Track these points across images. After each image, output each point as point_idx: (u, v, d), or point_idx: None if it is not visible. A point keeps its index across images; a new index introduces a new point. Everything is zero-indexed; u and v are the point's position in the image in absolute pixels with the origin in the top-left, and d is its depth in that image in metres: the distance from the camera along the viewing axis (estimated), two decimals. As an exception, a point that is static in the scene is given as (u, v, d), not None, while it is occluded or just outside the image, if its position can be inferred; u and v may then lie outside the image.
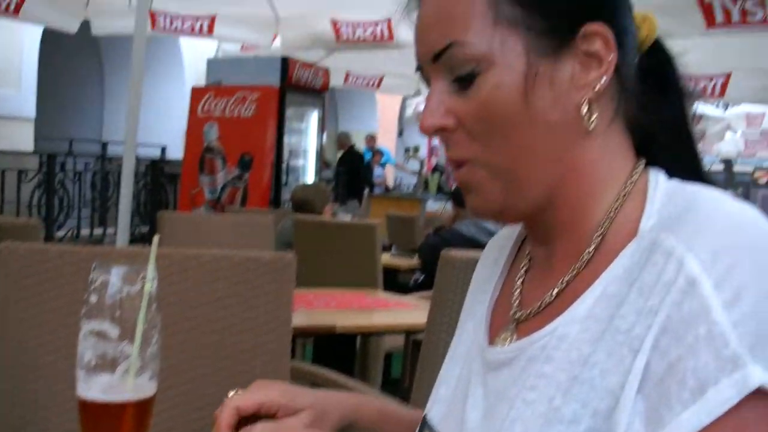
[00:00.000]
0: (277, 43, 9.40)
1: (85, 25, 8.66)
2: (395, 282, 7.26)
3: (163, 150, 15.10)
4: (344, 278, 5.89)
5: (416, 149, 15.12)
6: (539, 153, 1.11)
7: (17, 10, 7.67)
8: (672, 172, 1.16)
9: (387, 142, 25.59)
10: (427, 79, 1.17)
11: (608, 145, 1.14)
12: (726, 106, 16.46)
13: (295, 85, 10.95)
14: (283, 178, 10.82)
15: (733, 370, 0.91)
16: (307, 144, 11.99)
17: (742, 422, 0.91)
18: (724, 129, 15.82)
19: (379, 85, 12.92)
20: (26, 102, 13.64)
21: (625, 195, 1.13)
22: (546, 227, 1.17)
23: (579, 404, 1.02)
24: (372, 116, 25.43)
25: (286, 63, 10.69)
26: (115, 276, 1.20)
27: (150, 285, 1.21)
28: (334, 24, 8.87)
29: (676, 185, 1.11)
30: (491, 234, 5.21)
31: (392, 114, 25.85)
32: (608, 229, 1.12)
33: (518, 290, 1.23)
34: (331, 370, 3.64)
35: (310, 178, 11.74)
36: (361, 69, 12.43)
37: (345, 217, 8.55)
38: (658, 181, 1.13)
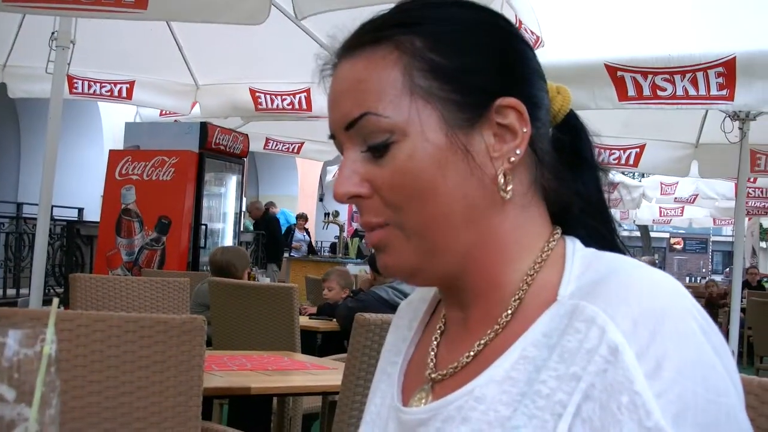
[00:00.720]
0: (196, 109, 9.41)
1: (2, 87, 8.58)
2: (314, 344, 7.24)
3: (80, 212, 14.94)
4: (262, 341, 5.87)
5: (336, 214, 15.14)
6: (454, 221, 1.11)
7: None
8: (588, 240, 1.18)
9: (307, 206, 25.62)
10: (339, 147, 1.17)
11: (524, 214, 1.16)
12: (642, 175, 16.76)
13: (214, 150, 10.96)
14: (202, 241, 10.78)
15: None
16: (226, 208, 11.97)
17: None
18: (640, 197, 16.08)
19: (299, 150, 12.95)
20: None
21: (542, 262, 1.14)
22: (460, 291, 1.17)
23: None
24: (292, 181, 25.46)
25: (205, 128, 10.70)
26: (12, 338, 1.18)
27: (49, 347, 1.19)
28: (253, 93, 8.91)
29: (593, 253, 1.14)
30: (407, 297, 5.18)
31: (313, 179, 25.91)
32: (525, 294, 1.12)
33: (433, 351, 1.23)
34: (245, 432, 3.61)
35: (228, 241, 11.70)
36: (280, 135, 12.46)
37: (264, 281, 8.53)
38: (575, 249, 1.15)
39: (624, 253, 1.19)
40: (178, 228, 10.54)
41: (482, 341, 1.13)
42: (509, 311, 1.12)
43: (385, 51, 1.13)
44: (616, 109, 5.81)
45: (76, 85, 8.63)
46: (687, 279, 36.50)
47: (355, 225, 20.70)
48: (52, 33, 5.71)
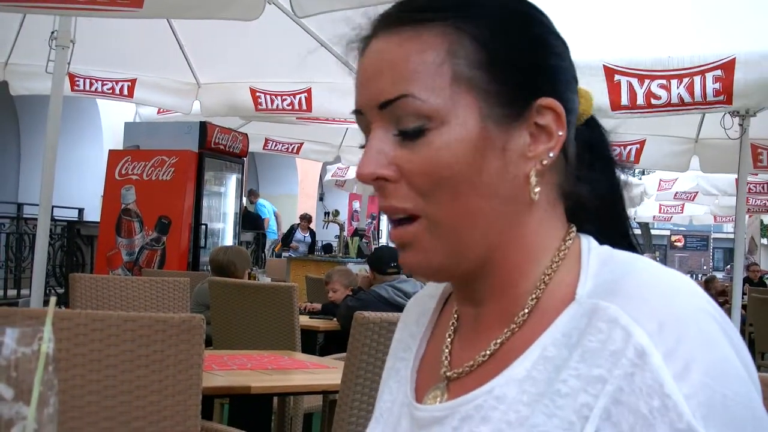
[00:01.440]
0: (196, 107, 9.40)
1: (2, 86, 8.58)
2: (314, 344, 7.23)
3: (81, 212, 14.93)
4: (262, 340, 5.87)
5: (336, 213, 15.14)
6: (483, 217, 1.09)
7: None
8: (601, 238, 1.17)
9: (308, 206, 25.59)
10: (365, 125, 1.14)
11: (547, 215, 1.15)
12: (642, 172, 16.76)
13: (213, 149, 10.96)
14: (202, 241, 10.77)
15: None
16: (226, 207, 11.97)
17: None
18: (641, 194, 16.09)
19: (298, 151, 12.95)
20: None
21: (559, 261, 1.13)
22: (478, 289, 1.16)
23: None
24: (292, 180, 25.44)
25: (204, 128, 10.70)
26: (10, 337, 1.18)
27: (47, 346, 1.19)
28: (253, 93, 8.90)
29: (608, 251, 1.13)
30: (408, 296, 5.25)
31: (313, 178, 25.88)
32: (543, 293, 1.11)
33: (447, 349, 1.21)
34: (245, 431, 3.61)
35: (229, 241, 11.70)
36: (280, 135, 12.45)
37: (264, 280, 8.53)
38: (591, 247, 1.14)
39: (637, 251, 1.19)
40: (178, 228, 10.54)
41: (499, 340, 1.12)
42: (527, 309, 1.11)
43: (431, 33, 1.10)
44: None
45: (77, 82, 8.64)
46: (688, 276, 36.32)
47: (355, 224, 20.72)
48: (52, 32, 5.72)
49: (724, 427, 0.94)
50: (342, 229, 14.31)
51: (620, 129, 8.79)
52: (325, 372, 4.38)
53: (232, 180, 12.01)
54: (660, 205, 20.00)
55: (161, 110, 10.37)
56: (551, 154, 1.12)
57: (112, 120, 14.98)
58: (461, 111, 1.08)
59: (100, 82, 8.79)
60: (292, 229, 20.05)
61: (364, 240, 13.52)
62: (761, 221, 27.21)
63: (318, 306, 7.63)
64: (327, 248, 18.26)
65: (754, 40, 5.46)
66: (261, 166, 25.70)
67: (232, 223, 12.05)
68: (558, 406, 1.00)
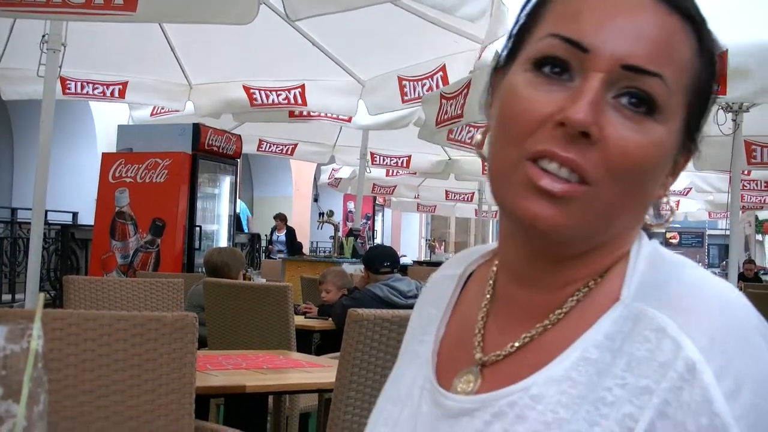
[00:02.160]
0: (190, 108, 9.41)
1: (-5, 91, 8.60)
2: (309, 343, 7.24)
3: (75, 215, 14.92)
4: (258, 340, 5.87)
5: (331, 213, 15.12)
6: (630, 215, 1.07)
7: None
8: None
9: (302, 207, 25.61)
10: (581, 63, 1.03)
11: None
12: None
13: (207, 151, 10.96)
14: (197, 243, 10.77)
15: None
16: (220, 209, 11.97)
17: None
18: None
19: (293, 152, 12.95)
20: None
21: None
22: (554, 272, 1.09)
23: None
24: (287, 182, 25.43)
25: (198, 129, 10.70)
26: (-1, 334, 1.17)
27: (36, 342, 1.18)
28: (247, 90, 8.92)
29: (657, 250, 1.09)
30: (403, 295, 5.23)
31: (307, 179, 25.88)
32: (590, 289, 1.08)
33: (480, 332, 1.16)
34: (240, 430, 3.61)
35: (223, 242, 11.70)
36: (274, 136, 12.46)
37: (259, 281, 8.51)
38: (641, 244, 1.10)
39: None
40: (172, 230, 10.54)
41: (539, 327, 1.08)
42: (571, 303, 1.08)
43: (688, 35, 1.06)
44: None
45: (69, 86, 8.66)
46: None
47: (350, 224, 20.71)
48: (43, 36, 5.72)
49: None
50: (336, 229, 14.31)
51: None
52: (321, 371, 4.38)
53: (226, 182, 12.01)
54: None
55: (155, 112, 10.39)
56: (671, 179, 1.12)
57: (106, 123, 14.98)
58: (677, 118, 1.05)
59: (91, 85, 8.82)
60: (272, 232, 20.19)
61: (359, 240, 13.50)
62: (756, 217, 27.25)
63: (314, 310, 7.62)
64: (295, 249, 18.46)
65: (745, 33, 5.46)
66: (255, 168, 25.69)
67: (226, 225, 12.05)
68: (602, 415, 0.97)
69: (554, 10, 1.07)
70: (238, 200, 19.18)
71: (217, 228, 11.88)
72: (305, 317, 7.44)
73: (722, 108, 7.34)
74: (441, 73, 7.50)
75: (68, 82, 8.63)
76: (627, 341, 0.99)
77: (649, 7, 1.03)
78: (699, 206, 20.40)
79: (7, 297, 12.91)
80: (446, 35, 7.40)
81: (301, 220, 25.47)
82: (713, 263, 40.33)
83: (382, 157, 14.37)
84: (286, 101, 8.92)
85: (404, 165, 14.75)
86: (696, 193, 15.94)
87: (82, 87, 8.80)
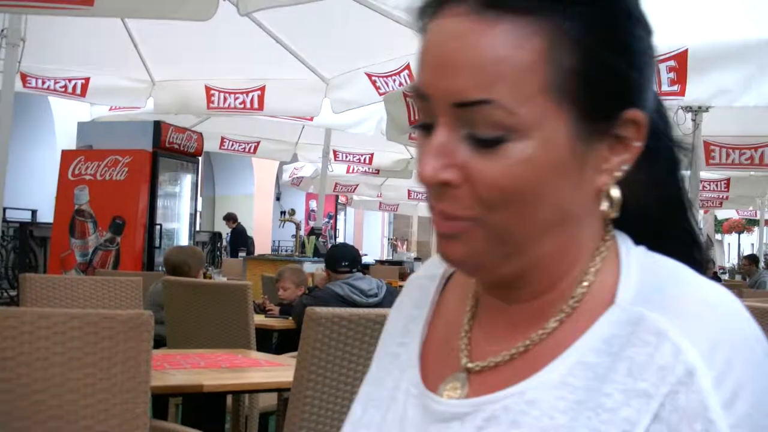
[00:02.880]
0: (149, 105, 9.36)
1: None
2: (269, 343, 7.22)
3: (34, 213, 14.82)
4: (217, 339, 5.84)
5: (292, 212, 15.09)
6: (545, 229, 1.01)
7: None
8: (654, 236, 1.11)
9: (264, 206, 25.57)
10: (428, 114, 1.00)
11: (593, 217, 1.06)
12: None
13: (168, 149, 10.92)
14: (157, 241, 10.72)
15: None
16: (181, 207, 11.92)
17: None
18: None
19: (255, 150, 12.92)
20: None
21: (600, 260, 1.05)
22: (514, 288, 1.07)
23: None
24: (248, 180, 25.38)
25: (158, 127, 10.65)
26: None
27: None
28: (208, 90, 8.89)
29: (647, 253, 1.07)
30: (364, 293, 5.23)
31: (269, 178, 25.84)
32: (582, 295, 1.04)
33: (466, 337, 1.12)
34: (198, 430, 3.59)
35: (184, 241, 11.65)
36: (236, 134, 12.43)
37: (220, 280, 8.49)
38: (629, 247, 1.07)
39: (697, 240, 1.15)
40: (132, 228, 10.48)
41: (533, 337, 1.05)
42: (564, 311, 1.04)
43: (532, 30, 0.95)
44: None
45: (29, 81, 8.58)
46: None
47: (312, 223, 20.70)
48: (2, 30, 5.66)
49: None
50: (298, 228, 14.28)
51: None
52: (279, 369, 4.36)
53: (187, 180, 11.96)
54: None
55: (114, 108, 10.33)
56: (625, 167, 1.03)
57: (66, 120, 14.88)
58: (547, 124, 0.96)
59: (52, 80, 8.74)
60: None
61: (320, 239, 13.49)
62: (715, 217, 27.48)
63: (276, 310, 7.61)
64: (237, 246, 18.56)
65: (705, 32, 5.50)
66: (217, 166, 25.62)
67: (187, 224, 12.00)
68: (602, 421, 0.95)
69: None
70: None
71: (177, 226, 11.84)
72: (265, 316, 7.43)
73: (682, 108, 7.38)
74: (407, 71, 7.49)
75: (29, 78, 8.55)
76: (627, 345, 0.97)
77: (471, 28, 0.96)
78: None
79: (-36, 295, 12.81)
80: (408, 33, 7.39)
81: (263, 218, 25.43)
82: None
83: (344, 154, 14.41)
84: (242, 105, 8.90)
85: (367, 162, 14.80)
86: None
87: (43, 82, 8.73)
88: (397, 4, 5.15)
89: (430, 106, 0.99)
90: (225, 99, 8.90)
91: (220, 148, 12.85)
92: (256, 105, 8.83)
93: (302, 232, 13.93)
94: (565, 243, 1.04)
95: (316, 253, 12.69)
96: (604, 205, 1.04)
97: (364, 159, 14.70)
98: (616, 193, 1.03)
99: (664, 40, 5.40)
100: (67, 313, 2.31)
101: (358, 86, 8.19)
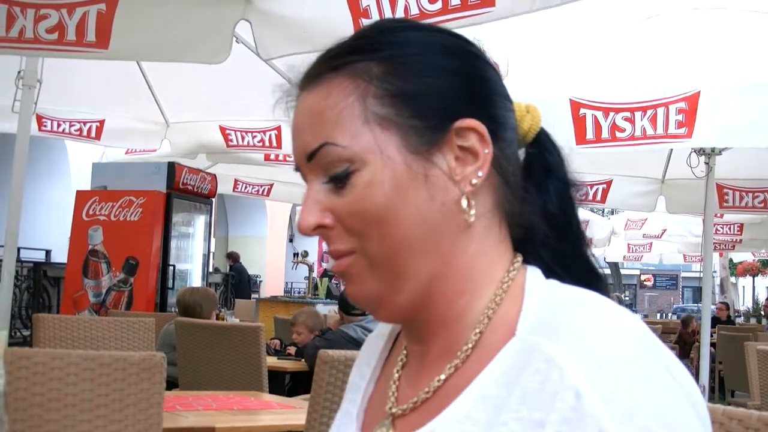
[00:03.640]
0: (165, 147, 9.39)
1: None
2: (282, 385, 7.20)
3: (48, 253, 14.84)
4: (229, 381, 5.84)
5: (305, 254, 15.12)
6: (415, 247, 1.09)
7: None
8: (553, 263, 1.16)
9: (277, 247, 25.57)
10: (304, 178, 1.16)
11: (487, 240, 1.13)
12: (612, 212, 16.90)
13: (182, 190, 10.92)
14: (170, 282, 10.71)
15: None
16: (194, 248, 11.93)
17: None
18: (609, 234, 16.19)
19: (269, 193, 12.93)
20: None
21: (502, 293, 1.11)
22: (422, 324, 1.14)
23: None
24: (262, 222, 25.42)
25: (172, 168, 10.67)
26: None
27: (-1, 381, 1.17)
28: (223, 131, 8.91)
29: (553, 285, 1.11)
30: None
31: (282, 219, 25.88)
32: (486, 327, 1.09)
33: (395, 385, 1.20)
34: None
35: (197, 282, 11.64)
36: (249, 176, 12.45)
37: (233, 321, 8.48)
38: (536, 279, 1.12)
39: (595, 272, 1.19)
40: (145, 269, 10.47)
41: (442, 376, 1.10)
42: (469, 345, 1.09)
43: (341, 79, 1.12)
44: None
45: (45, 123, 8.61)
46: (658, 315, 36.64)
47: (324, 265, 20.70)
48: (19, 72, 5.71)
49: None
50: (311, 269, 14.29)
51: (587, 169, 8.88)
52: (292, 412, 4.35)
53: (201, 221, 11.97)
54: (629, 244, 20.08)
55: (129, 150, 10.36)
56: (480, 174, 1.11)
57: (81, 160, 14.95)
58: (380, 149, 1.09)
59: (67, 123, 8.77)
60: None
61: (333, 281, 13.50)
62: (730, 260, 27.42)
63: (292, 350, 7.60)
64: (238, 287, 18.57)
65: (718, 76, 5.52)
66: (230, 208, 25.67)
67: (200, 265, 12.00)
68: None
69: None
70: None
71: (190, 267, 11.83)
72: (278, 358, 7.42)
73: (695, 151, 7.39)
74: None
75: (44, 120, 8.58)
76: (521, 374, 1.00)
77: (304, 100, 1.15)
78: (673, 249, 20.50)
79: (-23, 335, 12.79)
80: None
81: (277, 260, 25.45)
82: (686, 306, 40.47)
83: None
84: (261, 143, 8.92)
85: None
86: (670, 236, 16.03)
87: (59, 125, 8.76)
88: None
89: (302, 173, 1.17)
90: (243, 137, 8.92)
91: (233, 191, 12.87)
92: (274, 143, 8.84)
93: (315, 274, 13.94)
94: (453, 266, 1.11)
95: (329, 294, 12.70)
96: (470, 214, 1.11)
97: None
98: (463, 202, 1.10)
99: (678, 83, 5.42)
100: (80, 355, 2.31)
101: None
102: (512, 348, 1.03)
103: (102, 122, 8.81)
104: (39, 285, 13.31)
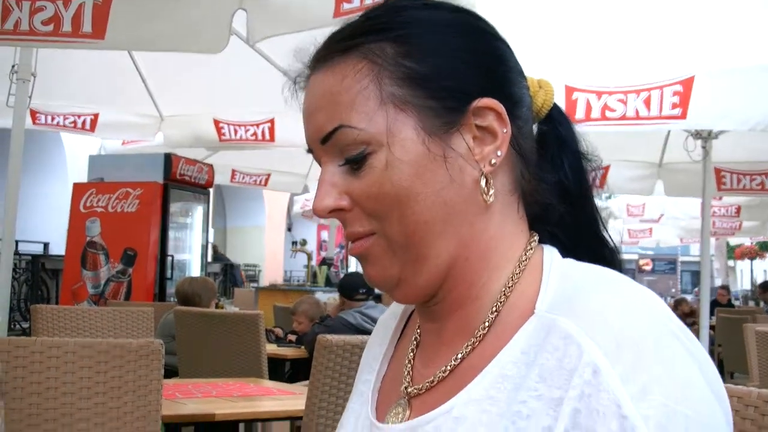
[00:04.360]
0: (159, 138, 9.38)
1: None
2: (282, 372, 7.21)
3: (46, 246, 14.84)
4: (229, 369, 5.84)
5: (304, 242, 15.12)
6: (436, 228, 1.08)
7: None
8: (568, 239, 1.17)
9: (275, 237, 25.57)
10: (318, 160, 1.15)
11: (506, 220, 1.13)
12: (609, 197, 16.87)
13: (178, 180, 10.91)
14: (168, 272, 10.71)
15: None
16: (192, 239, 11.92)
17: None
18: (607, 217, 16.18)
19: (266, 183, 12.91)
20: None
21: (519, 272, 1.11)
22: (439, 303, 1.14)
23: None
24: (260, 212, 25.41)
25: (169, 159, 10.65)
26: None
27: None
28: (217, 124, 8.90)
29: (571, 264, 1.11)
30: (375, 322, 5.21)
31: (280, 209, 25.86)
32: (503, 306, 1.09)
33: (409, 365, 1.20)
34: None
35: (196, 272, 11.64)
36: (247, 167, 12.43)
37: (232, 310, 8.48)
38: (553, 258, 1.12)
39: (611, 249, 1.21)
40: (144, 260, 10.47)
41: (459, 355, 1.10)
42: (486, 324, 1.09)
43: (354, 60, 1.11)
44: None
45: (39, 118, 8.60)
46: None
47: (323, 253, 20.70)
48: (13, 66, 5.70)
49: None
50: (310, 258, 14.29)
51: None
52: (292, 398, 4.35)
53: (198, 211, 11.96)
54: (628, 230, 20.08)
55: (126, 142, 10.35)
56: (499, 153, 1.11)
57: (77, 153, 14.94)
58: (397, 130, 1.08)
59: (61, 116, 8.77)
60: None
61: (332, 269, 13.50)
62: (727, 243, 27.39)
63: (293, 338, 7.61)
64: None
65: (713, 60, 5.51)
66: (228, 198, 25.66)
67: (198, 255, 11.99)
68: (519, 429, 0.98)
69: None
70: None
71: (189, 258, 11.83)
72: (277, 345, 7.42)
73: (692, 135, 7.40)
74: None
75: (39, 114, 8.58)
76: (540, 352, 1.00)
77: (316, 80, 1.14)
78: (672, 233, 20.50)
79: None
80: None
81: (275, 249, 25.45)
82: (686, 289, 40.52)
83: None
84: (254, 137, 8.91)
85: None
86: (668, 219, 16.03)
87: (53, 118, 8.76)
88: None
89: (315, 155, 1.16)
90: (236, 131, 8.92)
91: (231, 181, 12.85)
92: (267, 137, 8.84)
93: (314, 262, 13.93)
94: (473, 246, 1.11)
95: (328, 282, 12.69)
96: (489, 194, 1.10)
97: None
98: (482, 182, 1.10)
99: (672, 68, 5.42)
100: (77, 342, 2.32)
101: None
102: (531, 326, 1.04)
103: (96, 116, 8.81)
104: (37, 277, 13.32)
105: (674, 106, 5.27)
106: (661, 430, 0.90)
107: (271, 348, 6.93)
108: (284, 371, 7.36)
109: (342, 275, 10.61)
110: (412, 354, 1.21)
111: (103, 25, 4.47)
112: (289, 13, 4.43)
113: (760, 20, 5.86)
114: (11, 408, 2.12)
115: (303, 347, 7.07)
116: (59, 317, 5.28)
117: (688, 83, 5.22)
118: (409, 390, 1.15)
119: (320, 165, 1.15)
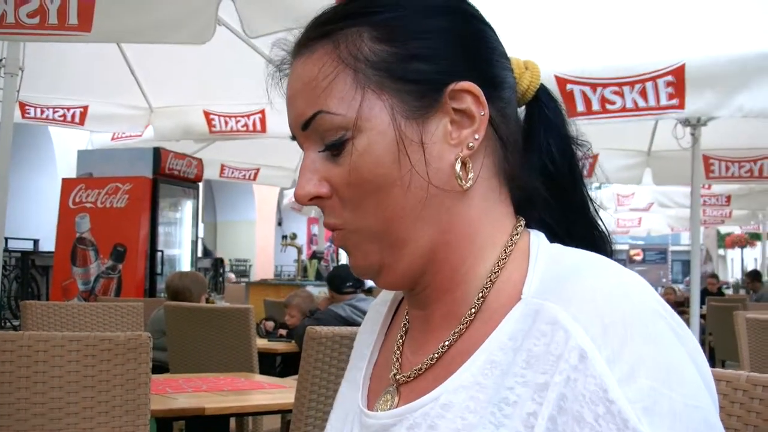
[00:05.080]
0: (150, 133, 9.36)
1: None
2: (273, 366, 7.20)
3: (36, 242, 14.82)
4: (220, 364, 5.83)
5: (294, 236, 15.10)
6: (414, 213, 1.08)
7: None
8: (564, 226, 1.16)
9: (266, 231, 25.56)
10: (301, 146, 1.15)
11: (489, 203, 1.12)
12: (599, 187, 16.89)
13: (168, 175, 10.89)
14: (158, 268, 10.69)
15: None
16: (182, 234, 11.89)
17: None
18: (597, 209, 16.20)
19: (255, 177, 12.90)
20: None
21: (506, 257, 1.10)
22: (424, 288, 1.14)
23: None
24: (250, 206, 25.39)
25: (158, 153, 10.63)
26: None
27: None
28: (207, 115, 8.89)
29: (558, 248, 1.10)
30: (365, 314, 5.21)
31: (270, 203, 25.86)
32: (489, 292, 1.09)
33: (398, 351, 1.20)
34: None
35: (186, 267, 11.62)
36: (236, 161, 12.42)
37: (222, 304, 8.47)
38: (540, 242, 1.11)
39: (601, 234, 1.20)
40: (134, 255, 10.45)
41: (446, 342, 1.10)
42: (473, 310, 1.09)
43: (332, 46, 1.10)
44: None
45: (28, 111, 8.58)
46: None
47: (313, 247, 20.70)
48: (0, 60, 5.67)
49: None
50: (300, 252, 14.29)
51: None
52: (282, 392, 4.35)
53: (188, 206, 11.94)
54: (618, 219, 20.12)
55: (115, 136, 10.33)
56: (477, 136, 1.09)
57: (66, 148, 14.91)
58: (374, 115, 1.08)
59: (51, 110, 8.75)
60: None
61: (322, 263, 13.50)
62: (718, 232, 27.48)
63: (284, 332, 7.61)
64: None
65: (703, 47, 5.51)
66: (218, 193, 25.65)
67: (188, 250, 11.97)
68: (505, 415, 0.98)
69: None
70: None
71: (179, 253, 11.81)
72: (268, 339, 7.42)
73: (680, 122, 7.39)
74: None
75: (28, 107, 8.56)
76: (526, 337, 1.00)
77: (296, 66, 1.15)
78: (661, 222, 20.55)
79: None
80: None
81: (265, 243, 25.44)
82: (677, 279, 40.60)
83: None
84: (245, 128, 8.90)
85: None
86: (658, 208, 16.06)
87: (42, 111, 8.74)
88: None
89: (297, 140, 1.16)
90: (226, 122, 8.90)
91: (220, 176, 12.83)
92: (258, 127, 8.82)
93: (304, 256, 13.93)
94: (455, 231, 1.10)
95: (318, 276, 12.70)
96: (468, 178, 1.10)
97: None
98: (458, 166, 1.09)
99: (661, 56, 5.41)
100: (65, 336, 2.31)
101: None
102: (518, 312, 1.03)
103: (86, 108, 8.80)
104: (27, 274, 13.30)
105: (670, 96, 5.26)
106: (648, 414, 0.90)
107: (262, 343, 6.93)
108: (275, 366, 7.36)
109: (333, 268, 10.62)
110: (401, 341, 1.21)
111: (89, 17, 4.46)
112: (283, 4, 4.41)
113: (746, 6, 5.86)
114: (-1, 403, 2.11)
115: (294, 341, 7.06)
116: (49, 313, 5.27)
117: (679, 72, 5.21)
118: (398, 377, 1.15)
119: (303, 151, 1.15)
